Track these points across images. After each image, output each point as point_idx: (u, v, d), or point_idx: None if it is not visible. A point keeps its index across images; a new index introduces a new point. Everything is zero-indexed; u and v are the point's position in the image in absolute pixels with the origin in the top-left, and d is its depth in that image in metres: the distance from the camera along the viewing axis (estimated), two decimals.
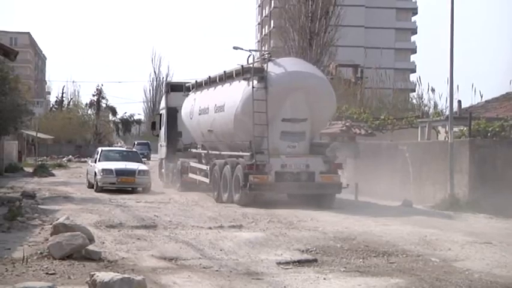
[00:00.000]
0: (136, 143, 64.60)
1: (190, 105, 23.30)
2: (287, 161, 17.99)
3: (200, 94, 22.83)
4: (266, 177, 17.71)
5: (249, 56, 19.07)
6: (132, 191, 22.84)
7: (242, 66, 19.05)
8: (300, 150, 18.42)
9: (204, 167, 21.68)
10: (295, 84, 18.20)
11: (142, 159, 27.70)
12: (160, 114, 27.85)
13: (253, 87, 18.11)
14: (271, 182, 17.79)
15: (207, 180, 20.91)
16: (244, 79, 18.76)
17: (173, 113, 25.68)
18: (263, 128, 18.01)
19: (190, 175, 23.07)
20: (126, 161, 24.61)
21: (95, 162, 24.54)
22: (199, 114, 22.06)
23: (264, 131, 18.03)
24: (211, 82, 21.85)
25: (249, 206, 17.32)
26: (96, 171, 23.40)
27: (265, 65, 18.56)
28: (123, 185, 23.16)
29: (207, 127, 21.13)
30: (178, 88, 25.68)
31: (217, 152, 20.93)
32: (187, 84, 24.83)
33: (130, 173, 23.18)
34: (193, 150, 23.62)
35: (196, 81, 23.83)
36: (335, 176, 18.29)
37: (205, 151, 22.19)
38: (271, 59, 19.15)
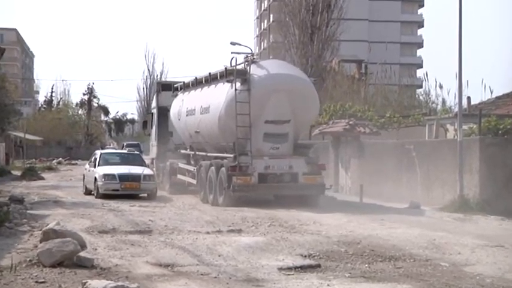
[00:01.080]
0: (125, 144, 57.84)
1: (179, 106, 23.50)
2: (270, 162, 18.32)
3: (188, 95, 23.04)
4: (249, 179, 18.01)
5: (232, 59, 19.44)
6: (129, 196, 21.53)
7: (226, 68, 19.31)
8: (283, 151, 18.71)
9: (191, 168, 21.88)
10: (278, 86, 18.51)
11: None
12: (152, 114, 28.01)
13: (235, 89, 18.32)
14: (254, 183, 18.10)
15: (194, 182, 21.13)
16: (228, 81, 19.05)
17: (164, 112, 25.67)
18: (246, 130, 18.34)
19: (179, 176, 23.23)
20: (128, 164, 22.87)
21: (94, 166, 22.87)
22: (187, 115, 22.23)
23: (247, 132, 18.34)
24: (197, 83, 22.14)
25: (246, 207, 17.26)
26: (97, 177, 21.73)
27: (248, 67, 18.78)
28: (127, 191, 21.41)
29: (194, 128, 21.38)
30: (169, 87, 25.82)
31: (204, 153, 21.10)
32: (175, 85, 25.03)
33: (135, 178, 21.51)
34: (182, 151, 23.78)
35: (184, 82, 24.11)
36: (318, 177, 18.59)
37: (193, 152, 22.34)
38: (255, 61, 19.46)
